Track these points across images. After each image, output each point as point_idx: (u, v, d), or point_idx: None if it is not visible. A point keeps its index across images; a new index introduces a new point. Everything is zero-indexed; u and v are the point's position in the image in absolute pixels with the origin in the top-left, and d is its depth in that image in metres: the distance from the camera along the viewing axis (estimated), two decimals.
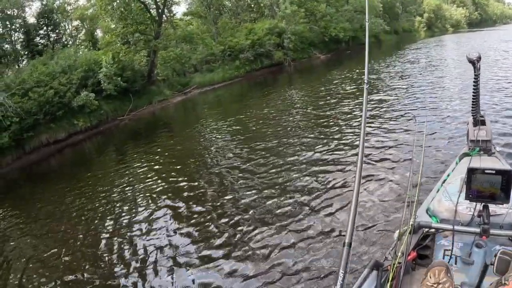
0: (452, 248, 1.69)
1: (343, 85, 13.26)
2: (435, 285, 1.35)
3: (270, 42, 22.72)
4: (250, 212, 4.61)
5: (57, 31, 28.31)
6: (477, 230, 1.61)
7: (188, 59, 18.61)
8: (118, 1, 17.97)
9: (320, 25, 27.61)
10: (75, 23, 31.66)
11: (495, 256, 1.49)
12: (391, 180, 4.63)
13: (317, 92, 12.96)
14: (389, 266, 1.61)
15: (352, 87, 12.61)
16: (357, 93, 11.07)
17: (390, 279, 1.49)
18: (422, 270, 1.70)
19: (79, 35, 31.83)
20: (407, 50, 23.60)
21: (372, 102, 9.28)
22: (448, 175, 2.46)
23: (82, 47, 29.11)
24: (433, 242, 1.83)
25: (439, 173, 3.87)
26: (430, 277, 1.40)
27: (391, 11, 42.06)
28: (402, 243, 1.66)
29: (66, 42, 30.03)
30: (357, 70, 16.35)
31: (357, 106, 9.34)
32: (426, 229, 1.84)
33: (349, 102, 10.13)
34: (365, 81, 2.03)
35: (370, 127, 6.99)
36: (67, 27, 31.53)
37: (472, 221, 1.73)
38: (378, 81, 12.90)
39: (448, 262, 1.64)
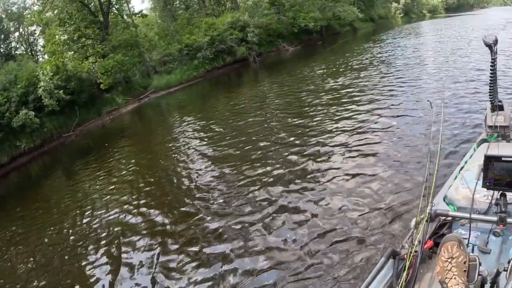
0: (469, 237, 1.68)
1: (311, 85, 12.01)
2: (449, 260, 1.37)
3: (232, 37, 21.16)
4: (224, 234, 4.18)
5: (7, 41, 26.32)
6: (494, 218, 1.60)
7: (132, 66, 16.95)
8: (57, 6, 16.24)
9: (288, 16, 26.10)
10: (32, 28, 29.75)
11: (509, 262, 1.41)
12: (408, 168, 4.52)
13: (285, 92, 11.85)
14: (405, 255, 1.59)
15: (321, 87, 11.28)
16: (327, 95, 9.86)
17: (406, 267, 1.50)
18: None
19: (37, 42, 29.95)
20: (385, 38, 22.44)
21: (381, 89, 8.91)
22: (466, 162, 2.40)
23: (45, 55, 27.28)
24: (450, 230, 1.84)
25: (457, 160, 3.75)
26: (444, 252, 1.42)
27: None
28: (418, 232, 1.63)
29: (23, 51, 28.14)
30: (323, 65, 15.22)
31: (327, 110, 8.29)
32: (443, 217, 1.84)
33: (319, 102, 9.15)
34: None
35: (385, 116, 6.76)
36: (24, 34, 29.62)
37: (489, 209, 1.72)
38: (380, 64, 12.41)
39: None
